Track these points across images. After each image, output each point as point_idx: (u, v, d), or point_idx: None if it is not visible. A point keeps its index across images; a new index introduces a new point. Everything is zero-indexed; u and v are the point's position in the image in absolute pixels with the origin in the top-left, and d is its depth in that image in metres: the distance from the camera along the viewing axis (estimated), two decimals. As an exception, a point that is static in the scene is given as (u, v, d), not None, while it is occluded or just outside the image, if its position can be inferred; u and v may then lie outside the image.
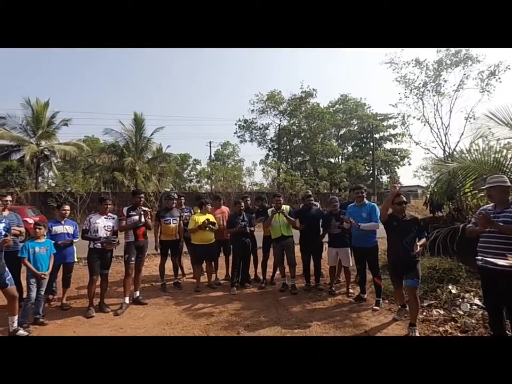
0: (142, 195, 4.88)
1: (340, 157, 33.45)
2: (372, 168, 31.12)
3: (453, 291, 4.32)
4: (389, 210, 3.80)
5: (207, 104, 76.35)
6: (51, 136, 21.13)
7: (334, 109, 33.49)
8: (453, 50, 15.60)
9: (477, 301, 4.02)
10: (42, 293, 3.97)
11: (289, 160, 32.23)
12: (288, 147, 33.20)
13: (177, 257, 5.60)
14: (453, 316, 3.82)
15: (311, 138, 30.39)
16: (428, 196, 7.16)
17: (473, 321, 3.64)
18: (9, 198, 4.18)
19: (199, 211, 5.53)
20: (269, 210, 5.32)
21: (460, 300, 4.12)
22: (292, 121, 32.04)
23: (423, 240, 3.74)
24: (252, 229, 5.52)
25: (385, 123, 32.58)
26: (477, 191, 5.64)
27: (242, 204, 5.56)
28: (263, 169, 23.95)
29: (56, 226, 4.46)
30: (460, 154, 6.33)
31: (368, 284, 4.88)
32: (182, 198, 5.98)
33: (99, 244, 4.26)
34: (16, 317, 3.51)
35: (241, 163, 31.64)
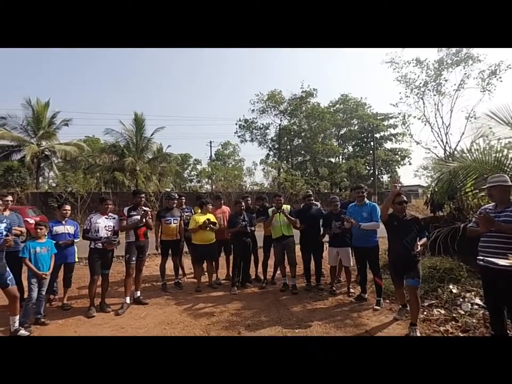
0: (143, 195, 4.89)
1: (341, 157, 33.44)
2: (372, 167, 31.11)
3: (454, 291, 4.32)
4: (389, 210, 3.80)
5: (207, 104, 76.45)
6: (52, 136, 21.16)
7: (335, 108, 33.48)
8: (453, 49, 15.61)
9: (477, 300, 4.02)
10: (44, 293, 3.98)
11: (289, 160, 32.23)
12: (288, 147, 33.20)
13: (178, 257, 5.61)
14: (454, 315, 3.82)
15: (312, 138, 30.38)
16: (429, 195, 7.15)
17: (474, 320, 3.64)
18: (10, 198, 4.19)
19: (199, 211, 5.53)
20: (270, 210, 5.32)
21: (461, 300, 4.12)
22: (292, 121, 32.03)
23: (424, 239, 3.74)
24: (253, 228, 5.52)
25: (385, 123, 32.56)
26: (477, 191, 5.63)
27: (243, 203, 5.56)
28: (264, 169, 23.98)
29: (57, 226, 4.47)
30: (461, 153, 6.32)
31: (369, 283, 4.88)
32: (183, 198, 5.98)
33: (100, 244, 4.27)
34: (17, 317, 3.52)
35: (242, 163, 31.62)
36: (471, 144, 5.79)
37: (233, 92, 76.57)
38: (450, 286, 4.41)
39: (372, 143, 31.39)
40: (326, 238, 5.34)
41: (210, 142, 32.77)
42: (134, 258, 4.56)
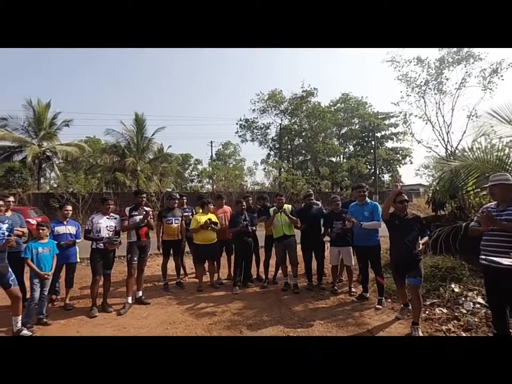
0: (144, 195, 4.89)
1: (341, 156, 33.40)
2: (373, 167, 31.06)
3: (456, 290, 4.31)
4: (390, 209, 3.80)
5: (208, 104, 76.45)
6: (53, 137, 21.19)
7: (335, 108, 33.42)
8: (454, 48, 15.55)
9: (480, 299, 4.01)
10: (46, 293, 3.99)
11: (290, 159, 32.20)
12: (289, 146, 33.16)
13: (180, 257, 5.62)
14: (456, 314, 3.81)
15: (312, 137, 30.35)
16: (430, 194, 7.14)
17: (476, 319, 3.63)
18: (11, 198, 4.20)
19: (201, 211, 5.54)
20: (271, 210, 5.32)
21: (463, 299, 4.11)
22: (293, 121, 32.00)
23: (426, 238, 3.73)
24: (254, 228, 5.53)
25: (386, 122, 32.49)
26: (479, 190, 5.62)
27: (244, 203, 5.56)
28: (265, 168, 24.02)
29: (58, 227, 4.47)
30: (462, 152, 6.32)
31: (371, 282, 4.88)
32: (184, 197, 5.99)
33: (101, 244, 4.28)
34: (19, 317, 3.53)
35: (243, 163, 31.69)
36: (472, 143, 5.78)
37: (233, 92, 76.64)
38: (452, 285, 4.40)
39: (373, 142, 31.33)
40: (327, 238, 5.34)
41: (211, 142, 32.83)
42: (135, 258, 4.57)
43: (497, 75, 14.97)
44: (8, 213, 4.01)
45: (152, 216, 4.84)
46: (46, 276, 3.90)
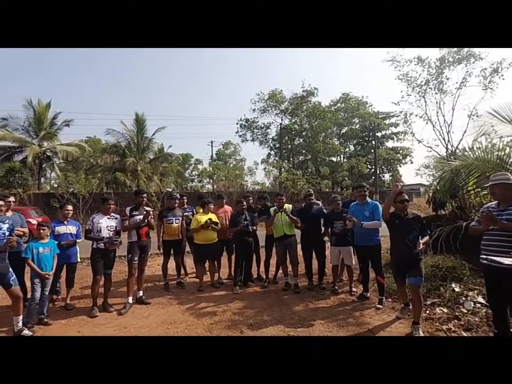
0: (145, 195, 4.90)
1: (342, 156, 33.39)
2: (374, 166, 31.04)
3: (456, 289, 4.31)
4: (391, 208, 3.80)
5: (208, 104, 76.46)
6: (53, 137, 21.20)
7: (336, 107, 33.41)
8: (455, 48, 15.52)
9: (480, 299, 4.01)
10: (47, 293, 4.00)
11: (290, 159, 32.19)
12: (289, 146, 33.16)
13: (180, 256, 5.62)
14: (457, 314, 3.81)
15: (313, 137, 30.34)
16: (431, 194, 7.13)
17: (476, 319, 3.63)
18: (12, 199, 4.20)
19: (201, 210, 5.54)
20: (271, 209, 5.32)
21: (463, 298, 4.11)
22: (293, 120, 31.99)
23: (426, 237, 3.73)
24: (254, 228, 5.52)
25: (387, 121, 32.47)
26: (480, 189, 5.62)
27: (245, 203, 5.56)
28: (265, 168, 24.00)
29: (59, 227, 4.48)
30: (463, 152, 6.31)
31: (371, 282, 4.88)
32: (184, 197, 5.99)
33: (102, 244, 4.28)
34: (20, 317, 3.54)
35: (243, 162, 31.71)
36: (473, 143, 5.77)
37: (233, 92, 76.62)
38: (453, 285, 4.40)
39: (373, 142, 31.32)
40: (326, 238, 5.34)
41: (212, 141, 32.85)
42: (136, 258, 4.57)
43: (497, 74, 14.94)
44: (9, 213, 4.02)
45: (152, 216, 4.84)
46: (46, 276, 3.91)
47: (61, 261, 4.30)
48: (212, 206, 5.53)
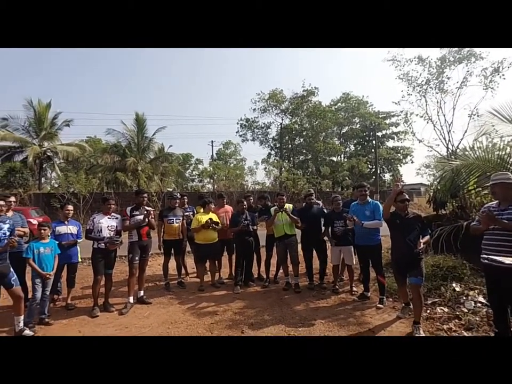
0: (146, 195, 4.90)
1: (342, 156, 33.35)
2: (374, 166, 31.00)
3: (457, 289, 4.31)
4: (391, 208, 3.79)
5: (208, 104, 76.39)
6: (53, 137, 21.19)
7: (336, 107, 33.37)
8: (455, 48, 15.50)
9: (481, 298, 4.01)
10: (48, 293, 4.00)
11: (291, 159, 32.16)
12: (290, 146, 33.14)
13: (181, 256, 5.62)
14: (457, 313, 3.81)
15: (313, 136, 30.31)
16: (431, 193, 7.12)
17: (477, 319, 3.63)
18: (13, 199, 4.21)
19: (202, 210, 5.55)
20: (272, 209, 5.32)
21: (464, 298, 4.11)
22: (293, 120, 31.96)
23: (427, 237, 3.72)
24: (255, 227, 5.52)
25: (387, 121, 32.45)
26: (480, 189, 5.61)
27: (245, 202, 5.57)
28: (265, 168, 24.05)
29: (59, 227, 4.49)
30: (463, 151, 6.29)
31: (372, 282, 4.88)
32: (185, 197, 6.00)
33: (103, 244, 4.29)
34: (22, 317, 3.54)
35: (243, 162, 31.74)
36: (473, 142, 5.76)
37: (233, 92, 76.56)
38: (454, 284, 4.40)
39: (374, 142, 31.28)
40: (326, 237, 5.34)
41: (212, 141, 32.87)
42: (137, 258, 4.58)
43: (498, 74, 14.91)
44: (10, 213, 4.02)
45: (153, 216, 4.84)
46: (47, 276, 3.91)
47: (62, 261, 4.31)
48: (213, 206, 5.54)
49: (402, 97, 17.41)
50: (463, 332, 3.45)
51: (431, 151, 17.45)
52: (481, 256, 2.90)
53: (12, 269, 3.48)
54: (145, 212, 4.61)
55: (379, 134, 32.93)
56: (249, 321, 3.92)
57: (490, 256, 2.77)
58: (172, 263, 5.50)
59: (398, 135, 32.65)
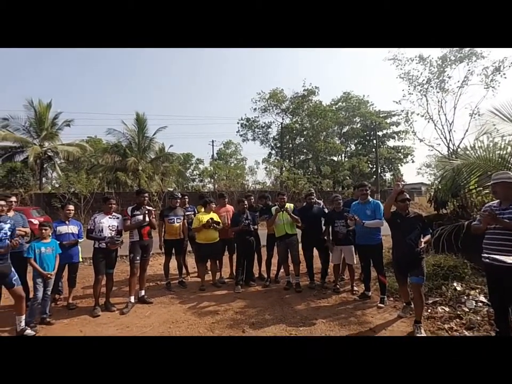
0: (146, 194, 4.90)
1: (343, 155, 33.33)
2: (375, 166, 30.98)
3: (458, 288, 4.31)
4: (392, 207, 3.79)
5: (208, 104, 76.51)
6: (54, 137, 21.22)
7: (337, 106, 33.33)
8: (455, 47, 15.45)
9: (482, 298, 4.01)
10: (49, 293, 4.01)
11: (292, 158, 32.16)
12: (290, 145, 33.13)
13: (182, 256, 5.63)
14: (458, 313, 3.81)
15: (314, 136, 30.30)
16: (432, 193, 7.11)
17: (478, 318, 3.63)
18: (13, 199, 4.21)
19: (202, 210, 5.55)
20: (273, 209, 5.32)
21: (465, 297, 4.11)
22: (294, 120, 31.96)
23: (428, 236, 3.72)
24: (256, 227, 5.53)
25: (388, 120, 32.41)
26: (481, 188, 5.60)
27: (246, 202, 5.57)
28: (266, 167, 24.07)
29: (60, 227, 4.49)
30: (464, 151, 6.26)
31: (373, 281, 4.88)
32: (186, 197, 6.00)
33: (104, 244, 4.29)
34: (23, 317, 3.55)
35: (244, 162, 31.77)
36: (474, 141, 5.74)
37: (233, 92, 76.64)
38: (455, 284, 4.39)
39: (375, 141, 31.24)
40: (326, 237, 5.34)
41: (212, 141, 32.90)
42: (138, 258, 4.58)
43: (499, 73, 14.85)
44: (11, 213, 4.03)
45: (154, 216, 4.85)
46: (49, 276, 3.92)
47: (63, 261, 4.31)
48: (214, 206, 5.54)
49: (403, 96, 17.35)
50: (464, 331, 3.44)
51: (432, 150, 17.37)
52: (482, 255, 2.89)
53: (13, 269, 3.49)
54: (146, 211, 4.62)
55: (380, 133, 32.89)
56: (250, 321, 3.92)
57: (491, 256, 2.77)
58: (173, 263, 5.51)
59: (399, 134, 32.64)
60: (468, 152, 5.81)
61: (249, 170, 23.97)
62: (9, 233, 3.44)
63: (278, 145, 33.24)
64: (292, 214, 5.14)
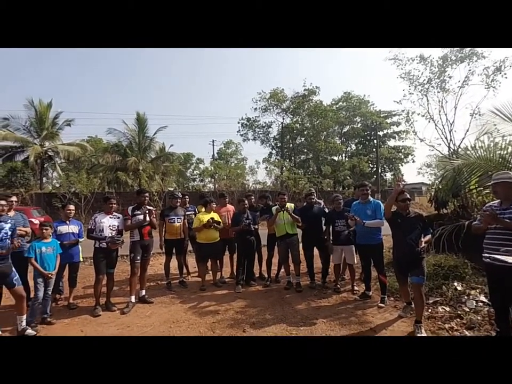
0: (147, 194, 4.89)
1: (343, 155, 33.29)
2: (375, 165, 30.94)
3: (459, 288, 4.30)
4: (393, 207, 3.79)
5: (208, 104, 76.48)
6: (54, 136, 21.25)
7: (337, 106, 33.29)
8: (455, 48, 15.44)
9: (482, 297, 4.00)
10: (50, 293, 4.01)
11: (292, 158, 32.15)
12: (291, 145, 33.12)
13: (182, 256, 5.63)
14: (459, 312, 3.81)
15: (314, 136, 30.28)
16: (433, 193, 7.10)
17: (479, 318, 3.63)
18: (14, 198, 4.22)
19: (203, 210, 5.55)
20: (273, 208, 5.32)
21: (466, 297, 4.11)
22: (294, 119, 31.96)
23: (428, 236, 3.72)
24: (256, 227, 5.52)
25: (389, 120, 32.36)
26: (482, 188, 5.59)
27: (246, 202, 5.56)
28: (266, 167, 24.07)
29: (61, 226, 4.50)
30: (465, 151, 6.26)
31: (373, 281, 4.87)
32: (186, 196, 6.00)
33: (104, 243, 4.29)
34: (24, 317, 3.55)
35: (244, 161, 31.77)
36: (475, 141, 5.74)
37: (233, 92, 76.60)
38: (455, 283, 4.39)
39: (375, 141, 31.21)
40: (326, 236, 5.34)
41: (213, 140, 32.87)
42: (138, 258, 4.58)
43: (500, 73, 14.84)
44: (11, 213, 4.03)
45: (154, 215, 4.85)
46: (49, 275, 3.92)
47: (64, 261, 4.32)
48: (214, 205, 5.54)
49: (404, 96, 17.37)
50: (464, 331, 3.44)
51: (432, 150, 17.37)
52: (483, 255, 2.89)
53: (13, 269, 3.49)
54: (147, 211, 4.62)
55: (380, 133, 32.84)
56: (250, 321, 3.92)
57: (492, 255, 2.76)
58: (174, 263, 5.52)
59: (400, 134, 32.60)
60: (468, 152, 5.80)
61: (249, 170, 24.03)
62: (9, 233, 3.44)
63: (278, 145, 33.25)
64: (292, 214, 5.14)
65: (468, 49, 15.31)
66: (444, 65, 16.01)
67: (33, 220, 9.31)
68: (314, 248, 5.33)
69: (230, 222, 5.65)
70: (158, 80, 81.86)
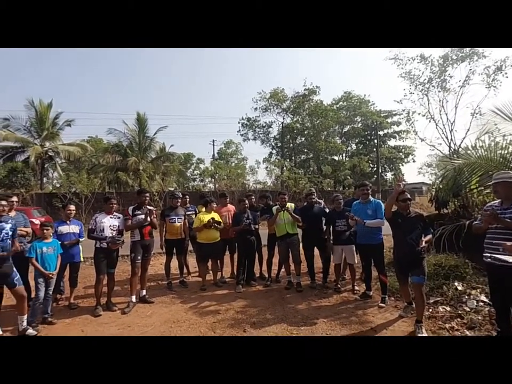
0: (148, 194, 4.89)
1: (344, 155, 33.27)
2: (376, 165, 30.91)
3: (459, 288, 4.30)
4: (393, 207, 3.79)
5: (208, 104, 76.54)
6: (55, 137, 21.27)
7: (338, 106, 33.26)
8: (455, 47, 15.40)
9: (483, 297, 4.00)
10: (51, 293, 4.02)
11: (292, 158, 32.12)
12: (291, 145, 33.10)
13: (183, 256, 5.63)
14: (459, 312, 3.81)
15: (315, 135, 30.26)
16: (433, 192, 7.10)
17: (479, 317, 3.62)
18: (15, 199, 4.22)
19: (203, 210, 5.55)
20: (274, 208, 5.32)
21: (466, 297, 4.10)
22: (295, 119, 31.92)
23: (429, 236, 3.71)
24: (257, 226, 5.52)
25: (389, 120, 32.33)
26: (482, 188, 5.58)
27: (247, 202, 5.57)
28: (267, 167, 24.07)
29: (62, 227, 4.50)
30: (466, 150, 6.24)
31: (374, 281, 4.87)
32: (187, 196, 6.01)
33: (105, 243, 4.30)
34: (25, 317, 3.56)
35: (245, 161, 31.78)
36: (476, 141, 5.73)
37: (233, 92, 76.62)
38: (456, 283, 4.39)
39: (376, 141, 31.17)
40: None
41: (213, 140, 32.87)
42: (139, 257, 4.59)
43: (501, 73, 14.80)
44: (12, 213, 4.04)
45: (155, 215, 4.85)
46: (50, 275, 3.93)
47: (64, 261, 4.32)
48: (214, 205, 5.54)
49: (404, 95, 17.28)
50: (465, 330, 3.44)
51: (433, 150, 17.29)
52: (484, 255, 2.89)
53: (14, 269, 3.50)
54: (147, 211, 4.62)
55: (381, 133, 32.80)
56: (251, 320, 3.92)
57: (493, 255, 2.76)
58: (174, 263, 5.52)
59: (400, 134, 32.58)
60: (469, 151, 5.79)
61: (250, 170, 24.03)
62: (10, 233, 3.45)
63: (278, 145, 33.23)
64: (292, 214, 5.14)
65: (469, 48, 15.28)
66: (445, 64, 15.97)
67: (34, 220, 9.31)
68: (315, 248, 5.33)
69: (230, 222, 5.65)
70: (158, 80, 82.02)
